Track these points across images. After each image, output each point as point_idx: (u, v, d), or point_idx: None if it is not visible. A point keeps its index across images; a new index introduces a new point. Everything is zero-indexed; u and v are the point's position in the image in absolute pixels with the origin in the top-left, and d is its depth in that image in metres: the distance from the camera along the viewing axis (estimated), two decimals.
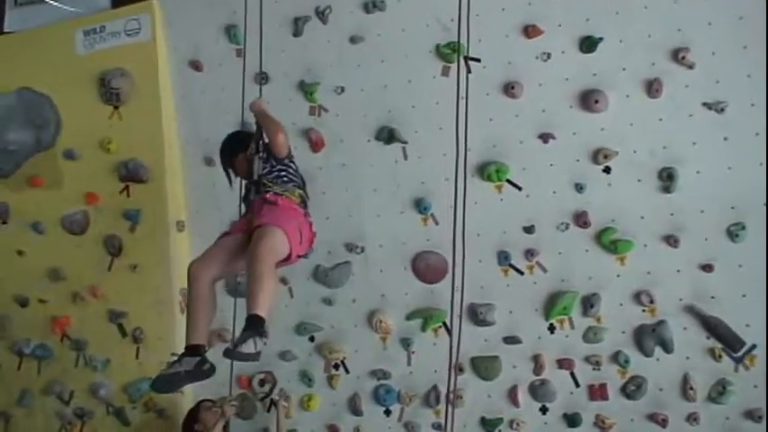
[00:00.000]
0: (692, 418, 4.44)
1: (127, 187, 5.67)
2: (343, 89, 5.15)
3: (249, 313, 3.47)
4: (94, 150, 5.74)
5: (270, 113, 4.23)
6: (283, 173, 4.17)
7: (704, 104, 4.38)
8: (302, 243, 3.99)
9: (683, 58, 4.38)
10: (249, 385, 5.49)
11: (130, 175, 5.63)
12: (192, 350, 3.74)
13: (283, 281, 5.32)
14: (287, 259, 3.90)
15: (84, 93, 5.74)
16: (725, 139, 4.35)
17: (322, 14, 5.14)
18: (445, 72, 4.87)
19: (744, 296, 4.34)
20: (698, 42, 4.37)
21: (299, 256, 4.03)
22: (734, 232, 4.33)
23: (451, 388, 4.03)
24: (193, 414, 5.12)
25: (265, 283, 3.54)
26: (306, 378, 5.33)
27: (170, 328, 5.57)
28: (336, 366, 5.26)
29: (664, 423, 4.49)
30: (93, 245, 5.81)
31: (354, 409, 5.21)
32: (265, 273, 3.58)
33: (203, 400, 5.20)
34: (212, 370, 3.77)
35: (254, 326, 3.41)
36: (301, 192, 4.21)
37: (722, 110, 4.34)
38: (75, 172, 5.83)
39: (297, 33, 5.22)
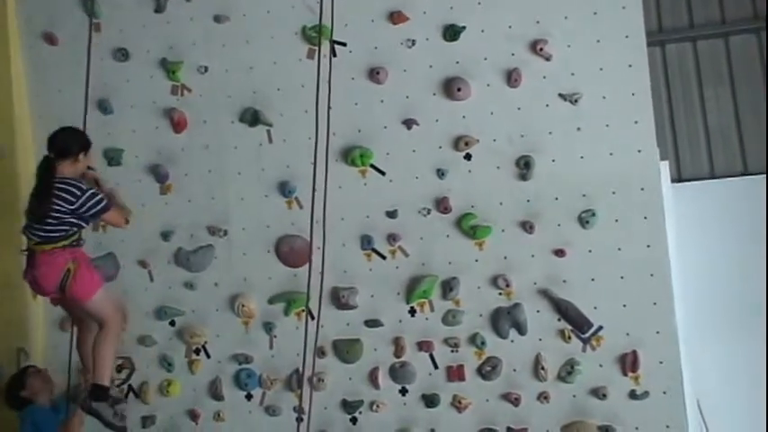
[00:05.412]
0: (542, 397, 4.61)
1: None
2: (206, 69, 5.06)
3: None
4: None
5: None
6: None
7: (560, 95, 4.56)
8: None
9: (541, 49, 4.55)
10: None
11: None
12: None
13: (143, 264, 5.19)
14: None
15: None
16: (578, 129, 4.55)
17: None
18: (311, 55, 4.84)
19: (593, 280, 4.54)
20: (555, 35, 4.56)
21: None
22: (584, 219, 4.52)
23: (311, 372, 4.05)
24: (19, 380, 4.88)
25: None
26: (166, 363, 5.18)
27: (21, 315, 5.30)
28: (197, 351, 5.15)
29: (516, 402, 4.64)
30: None
31: (215, 393, 5.12)
32: None
33: (28, 366, 5.01)
34: None
35: None
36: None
37: (576, 101, 4.53)
38: None
39: (159, 9, 5.08)
